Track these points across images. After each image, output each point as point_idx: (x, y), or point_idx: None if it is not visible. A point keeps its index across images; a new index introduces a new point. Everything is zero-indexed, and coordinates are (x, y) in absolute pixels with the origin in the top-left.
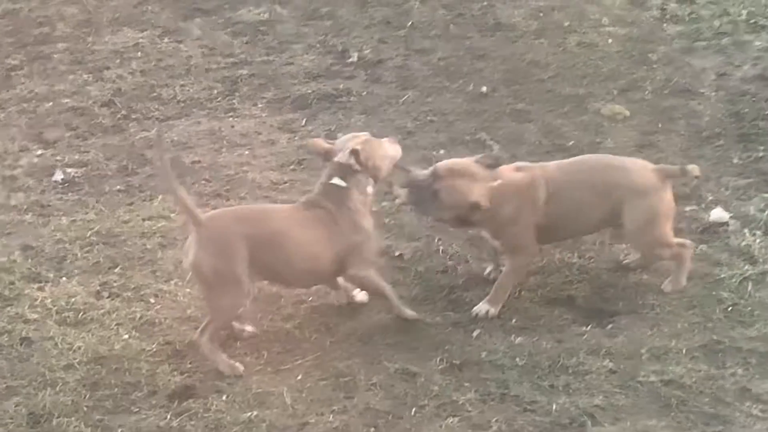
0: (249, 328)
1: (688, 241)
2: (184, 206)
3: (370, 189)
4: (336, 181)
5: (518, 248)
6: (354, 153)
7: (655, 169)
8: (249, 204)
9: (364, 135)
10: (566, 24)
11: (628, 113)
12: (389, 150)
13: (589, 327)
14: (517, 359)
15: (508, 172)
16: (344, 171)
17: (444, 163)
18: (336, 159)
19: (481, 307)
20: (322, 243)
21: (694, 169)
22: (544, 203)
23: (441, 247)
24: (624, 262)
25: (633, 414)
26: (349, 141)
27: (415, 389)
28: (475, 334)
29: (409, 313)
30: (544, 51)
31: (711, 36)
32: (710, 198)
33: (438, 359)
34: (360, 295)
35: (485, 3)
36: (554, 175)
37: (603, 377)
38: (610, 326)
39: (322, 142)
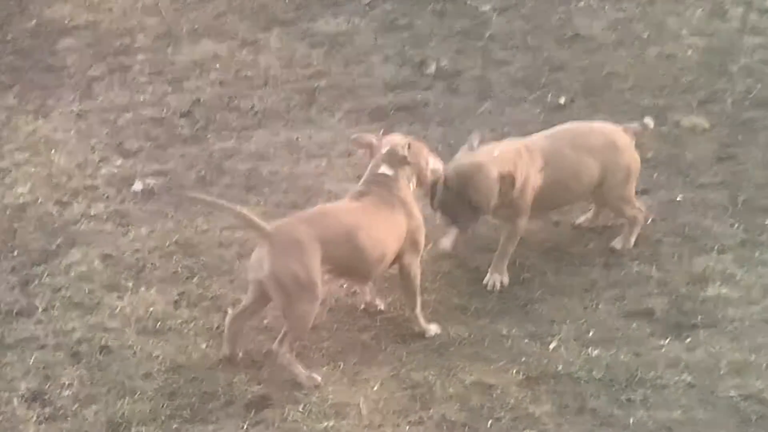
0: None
1: (643, 207)
2: (247, 222)
3: (412, 187)
4: (384, 169)
5: (522, 211)
6: (409, 145)
7: (623, 128)
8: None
9: (410, 138)
10: (645, 35)
11: (707, 125)
12: (431, 159)
13: (667, 340)
14: (594, 372)
15: (498, 144)
16: (392, 161)
17: (452, 168)
18: (388, 149)
19: (494, 278)
20: (386, 226)
21: (649, 122)
22: (541, 169)
23: (517, 260)
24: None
25: (711, 428)
26: (396, 138)
27: (492, 401)
28: (551, 346)
29: (427, 326)
30: (622, 62)
31: None
32: None
33: (514, 371)
34: (381, 304)
35: (563, 14)
36: (545, 144)
37: (681, 391)
38: (688, 339)
39: (369, 136)
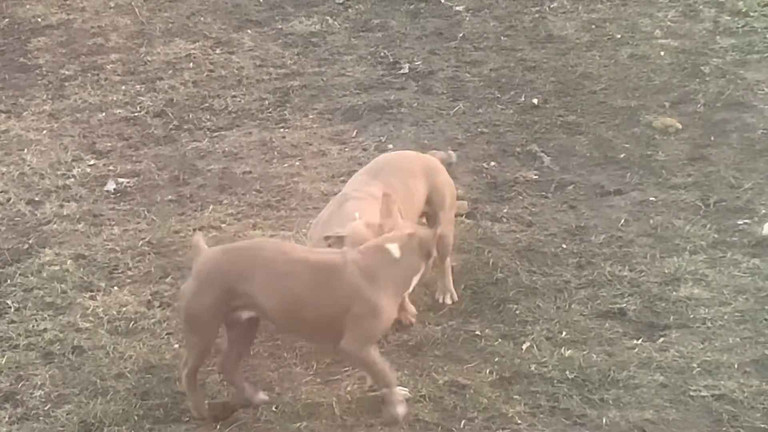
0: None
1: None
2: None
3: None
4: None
5: None
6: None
7: (431, 153)
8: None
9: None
10: (618, 36)
11: (680, 126)
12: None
13: (639, 340)
14: (567, 372)
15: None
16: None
17: None
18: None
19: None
20: (317, 292)
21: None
22: None
23: (491, 260)
24: None
25: (684, 429)
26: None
27: (464, 402)
28: (524, 346)
29: (397, 411)
30: (595, 63)
31: (764, 48)
32: (763, 211)
33: (487, 371)
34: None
35: (537, 15)
36: (381, 184)
37: (654, 391)
38: (661, 340)
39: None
